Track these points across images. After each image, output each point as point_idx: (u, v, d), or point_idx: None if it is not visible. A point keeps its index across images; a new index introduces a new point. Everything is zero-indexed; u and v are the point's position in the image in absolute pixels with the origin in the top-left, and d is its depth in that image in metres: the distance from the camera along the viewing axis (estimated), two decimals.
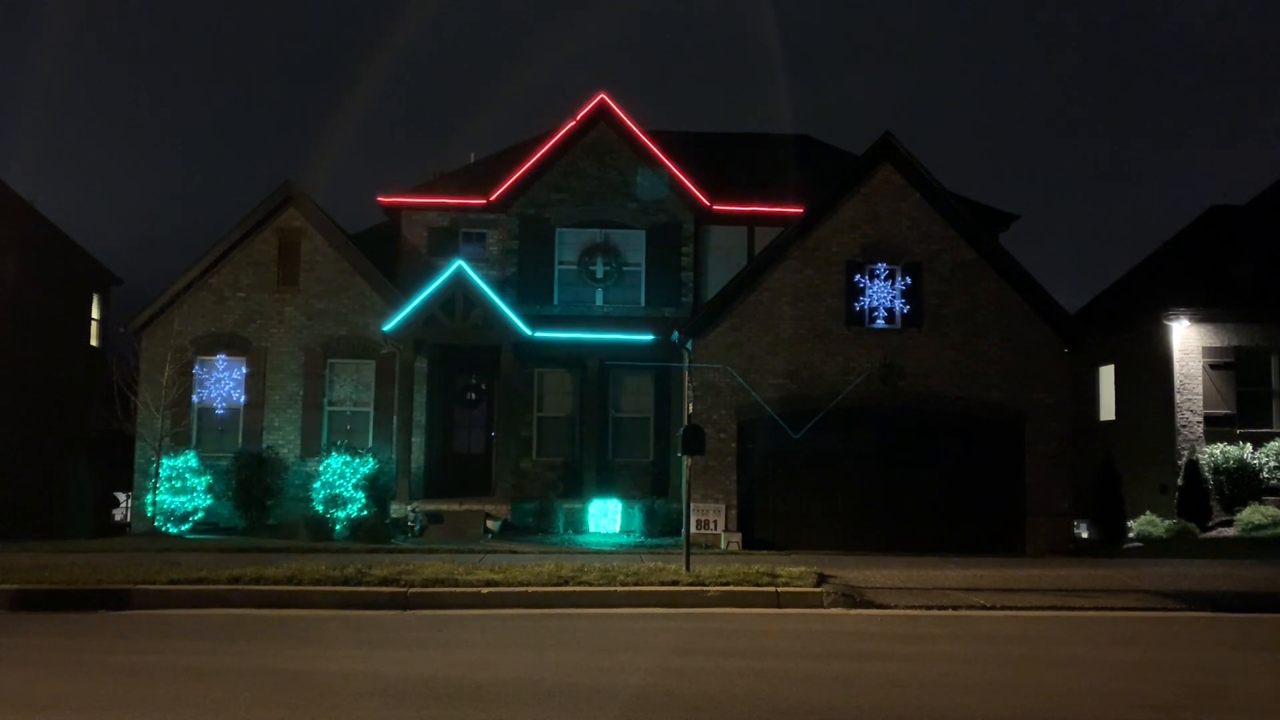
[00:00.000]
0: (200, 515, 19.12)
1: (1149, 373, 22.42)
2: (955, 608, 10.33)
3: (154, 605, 10.17)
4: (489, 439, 21.56)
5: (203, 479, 19.37)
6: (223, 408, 21.02)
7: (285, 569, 11.19)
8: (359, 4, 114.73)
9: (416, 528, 18.59)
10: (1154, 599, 10.85)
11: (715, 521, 18.66)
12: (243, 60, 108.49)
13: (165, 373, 19.86)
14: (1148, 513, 19.79)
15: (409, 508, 18.96)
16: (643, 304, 21.73)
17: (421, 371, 20.91)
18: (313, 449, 20.51)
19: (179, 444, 20.05)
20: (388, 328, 20.25)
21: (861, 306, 19.46)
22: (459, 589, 10.57)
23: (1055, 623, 9.75)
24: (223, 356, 21.07)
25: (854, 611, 10.26)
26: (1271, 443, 20.70)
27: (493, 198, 21.81)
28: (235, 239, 21.14)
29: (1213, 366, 21.56)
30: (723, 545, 18.25)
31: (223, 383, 21.10)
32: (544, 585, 10.67)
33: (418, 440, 20.63)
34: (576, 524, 19.44)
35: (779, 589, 10.66)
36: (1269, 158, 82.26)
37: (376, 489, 18.94)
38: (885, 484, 19.01)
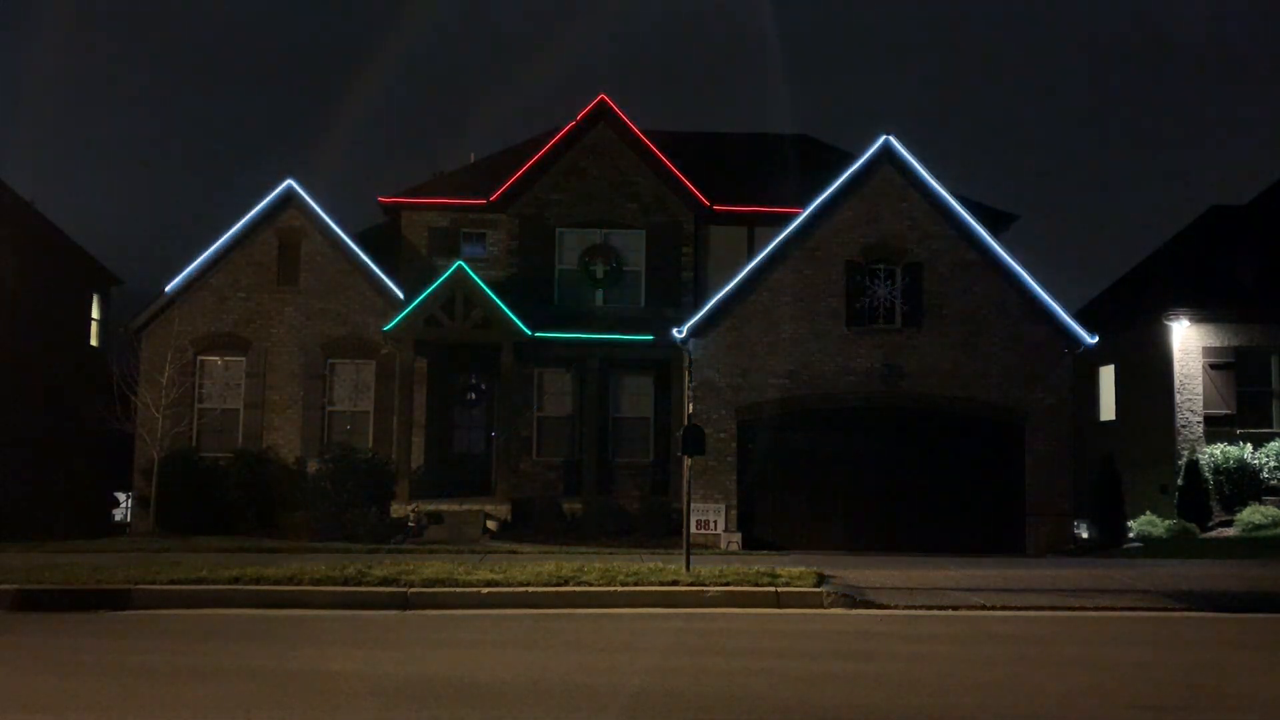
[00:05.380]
0: (200, 515, 19.09)
1: (1149, 373, 22.42)
2: (955, 608, 10.32)
3: (154, 605, 10.15)
4: (489, 439, 21.57)
5: (202, 479, 19.36)
6: (222, 408, 21.03)
7: (285, 569, 11.18)
8: (360, 4, 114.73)
9: (417, 528, 18.59)
10: (1154, 599, 10.84)
11: (715, 521, 18.67)
12: (243, 60, 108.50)
13: (165, 373, 19.86)
14: (1148, 513, 19.80)
15: (409, 508, 18.95)
16: (643, 304, 21.73)
17: (421, 371, 20.92)
18: (313, 449, 20.51)
19: (179, 444, 20.05)
20: (388, 328, 20.26)
21: (861, 306, 19.47)
22: (459, 589, 10.56)
23: (1055, 623, 9.74)
24: (223, 356, 21.08)
25: (854, 611, 10.25)
26: (1271, 443, 20.70)
27: (493, 198, 21.81)
28: (235, 239, 21.16)
29: (1213, 366, 21.56)
30: (723, 545, 18.25)
31: (223, 383, 21.11)
32: (544, 585, 10.65)
33: (418, 440, 20.64)
34: (577, 524, 19.42)
35: (779, 589, 10.65)
36: (1269, 158, 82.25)
37: (376, 489, 18.92)
38: (885, 484, 19.02)
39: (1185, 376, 21.56)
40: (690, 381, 13.86)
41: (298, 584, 10.56)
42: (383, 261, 21.56)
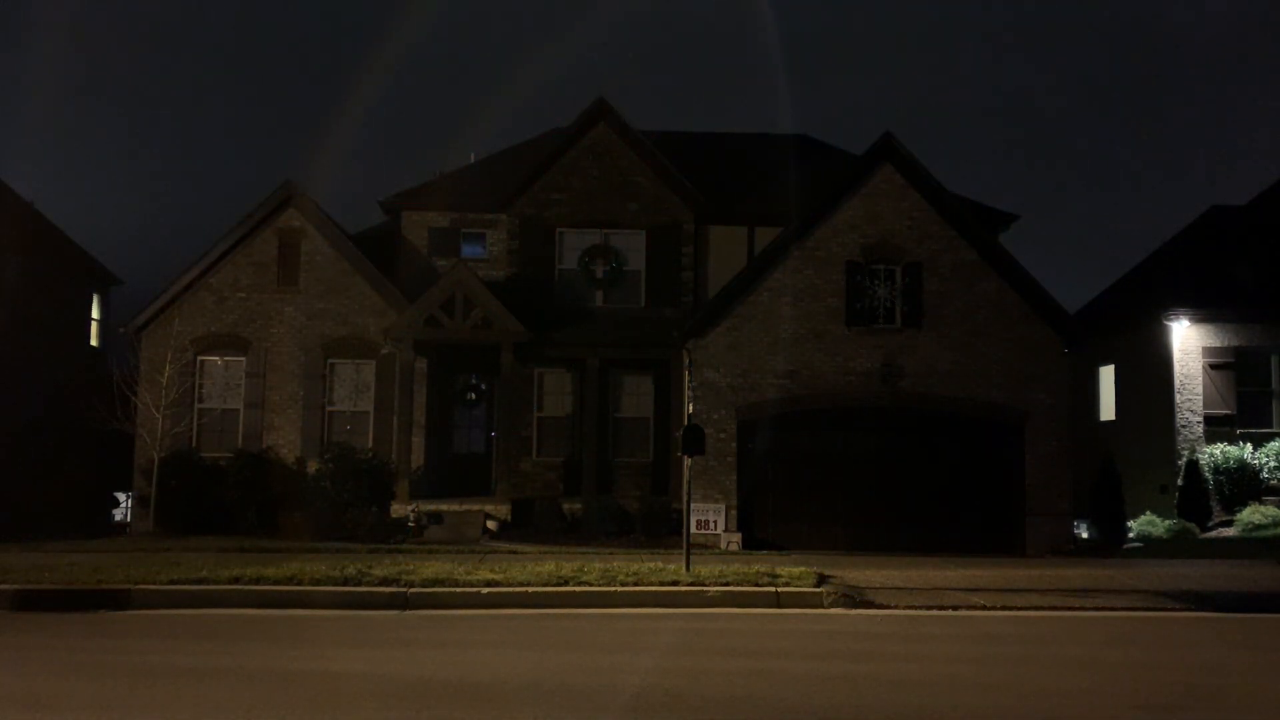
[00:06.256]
0: (200, 515, 19.09)
1: (1149, 373, 22.42)
2: (955, 608, 10.32)
3: (154, 605, 10.16)
4: (489, 439, 21.57)
5: (202, 479, 19.35)
6: (223, 408, 21.04)
7: (285, 569, 11.18)
8: (360, 4, 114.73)
9: (417, 528, 18.58)
10: (1154, 599, 10.84)
11: (715, 521, 18.66)
12: (243, 60, 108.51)
13: (165, 373, 19.87)
14: (1148, 513, 19.79)
15: (409, 508, 18.96)
16: (643, 304, 21.73)
17: (421, 371, 20.92)
18: (312, 449, 20.51)
19: (179, 444, 20.05)
20: (387, 328, 20.26)
21: (861, 306, 19.46)
22: (459, 589, 10.56)
23: (1055, 623, 9.75)
24: (223, 356, 21.08)
25: (854, 611, 10.25)
26: (1271, 443, 20.70)
27: (493, 198, 21.82)
28: (235, 239, 21.16)
29: (1213, 366, 21.55)
30: (723, 545, 18.25)
31: (223, 383, 21.11)
32: (544, 585, 10.66)
33: (418, 440, 20.63)
34: (577, 524, 19.42)
35: (779, 589, 10.65)
36: (1269, 158, 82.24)
37: (376, 489, 18.92)
38: (885, 484, 19.01)
39: (1185, 376, 21.55)
40: (690, 381, 13.82)
41: (298, 584, 10.56)
42: (383, 261, 21.56)
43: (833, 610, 10.30)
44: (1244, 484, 20.29)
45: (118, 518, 25.98)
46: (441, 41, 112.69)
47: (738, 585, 10.68)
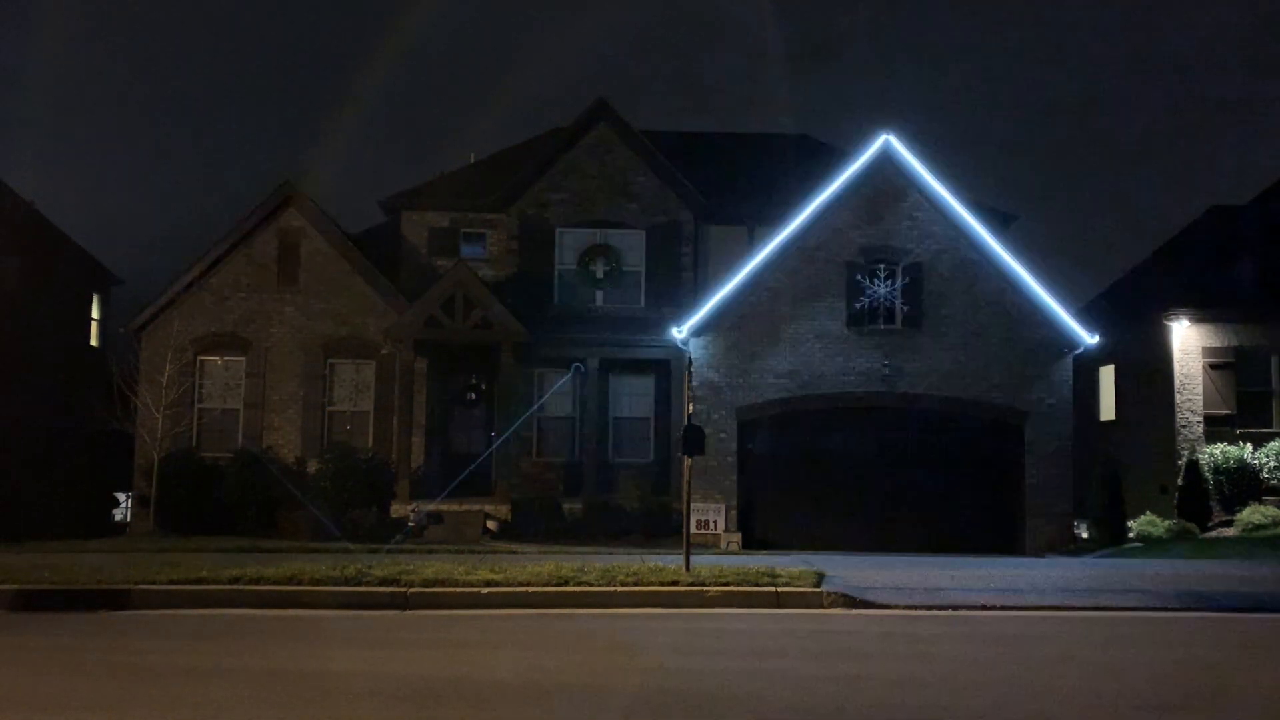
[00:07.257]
0: (200, 515, 19.10)
1: (1149, 373, 22.42)
2: (955, 607, 10.31)
3: (154, 605, 10.14)
4: (489, 439, 21.57)
5: (202, 479, 19.35)
6: (222, 408, 21.05)
7: (285, 569, 11.16)
8: (359, 4, 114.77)
9: (417, 528, 18.59)
10: (1154, 599, 10.83)
11: (715, 521, 18.68)
12: (244, 60, 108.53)
13: (165, 373, 19.88)
14: (1148, 513, 19.78)
15: (409, 508, 18.96)
16: (643, 304, 21.74)
17: (421, 371, 20.93)
18: (313, 449, 20.51)
19: (179, 444, 20.06)
20: (388, 328, 20.26)
21: (861, 306, 19.48)
22: (459, 589, 10.54)
23: (1055, 622, 9.73)
24: (223, 356, 21.09)
25: (854, 611, 10.24)
26: (1271, 443, 20.69)
27: (493, 198, 21.83)
28: (235, 239, 21.18)
29: (1213, 366, 21.54)
30: (723, 545, 18.26)
31: (223, 383, 21.12)
32: (544, 585, 10.64)
33: (418, 440, 20.65)
34: (577, 524, 19.42)
35: (779, 589, 10.64)
36: (1269, 158, 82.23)
37: (376, 489, 18.93)
38: (885, 484, 19.03)
39: (1185, 376, 21.54)
40: (690, 381, 13.84)
41: (298, 584, 10.54)
42: (382, 261, 21.58)
43: (832, 610, 10.29)
44: (1244, 484, 20.29)
45: (118, 518, 25.98)
46: (442, 40, 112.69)
47: (737, 585, 10.66)
